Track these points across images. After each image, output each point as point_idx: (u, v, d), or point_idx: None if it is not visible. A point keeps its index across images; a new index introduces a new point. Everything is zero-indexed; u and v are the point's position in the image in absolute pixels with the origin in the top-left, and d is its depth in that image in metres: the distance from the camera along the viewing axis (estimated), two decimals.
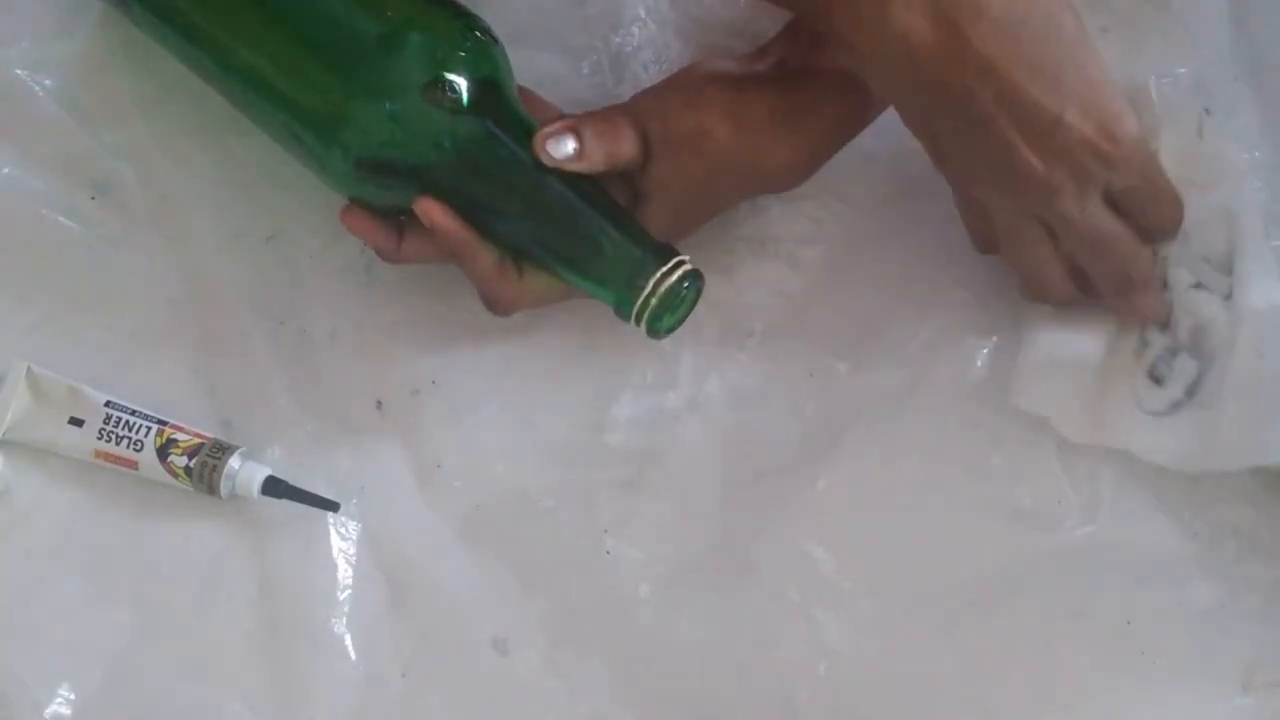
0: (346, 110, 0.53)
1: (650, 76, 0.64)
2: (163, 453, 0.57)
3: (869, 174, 0.63)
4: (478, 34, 0.55)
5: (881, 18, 0.50)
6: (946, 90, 0.50)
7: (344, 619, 0.57)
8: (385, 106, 0.53)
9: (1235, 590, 0.56)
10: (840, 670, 0.56)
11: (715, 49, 0.63)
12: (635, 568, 0.58)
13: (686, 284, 0.53)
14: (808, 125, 0.57)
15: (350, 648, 0.56)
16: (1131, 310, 0.57)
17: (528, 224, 0.54)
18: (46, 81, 0.62)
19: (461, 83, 0.54)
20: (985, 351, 0.59)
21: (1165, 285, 0.57)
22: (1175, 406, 0.56)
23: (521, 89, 0.57)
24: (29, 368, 0.58)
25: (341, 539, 0.58)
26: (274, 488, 0.56)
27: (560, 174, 0.53)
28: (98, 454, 0.57)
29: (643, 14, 0.64)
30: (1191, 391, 0.56)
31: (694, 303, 0.55)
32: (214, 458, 0.57)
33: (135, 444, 0.57)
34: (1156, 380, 0.57)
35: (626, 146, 0.55)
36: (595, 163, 0.54)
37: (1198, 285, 0.57)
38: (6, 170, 0.61)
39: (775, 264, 0.63)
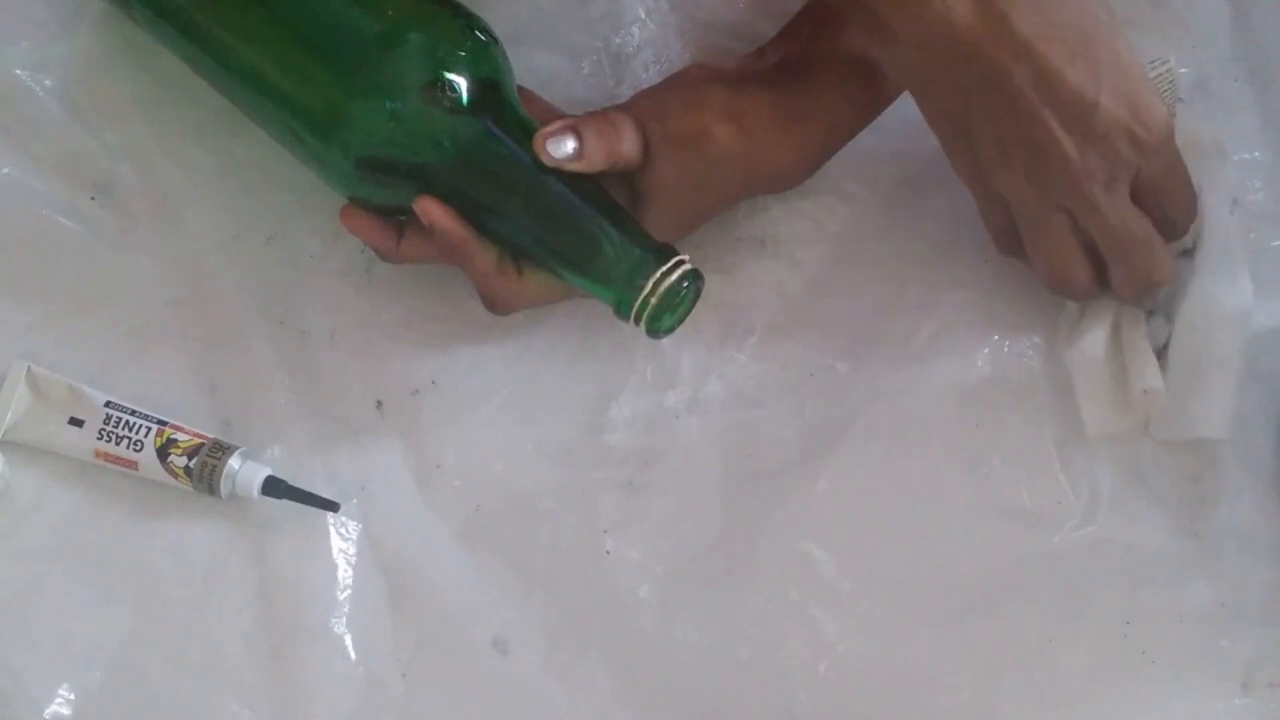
0: (347, 109, 0.53)
1: (650, 76, 0.64)
2: (163, 453, 0.57)
3: (869, 173, 0.63)
4: (478, 34, 0.55)
5: None
6: (984, 71, 0.50)
7: (344, 619, 0.57)
8: (385, 106, 0.53)
9: (1235, 590, 0.56)
10: (840, 670, 0.56)
11: (715, 49, 0.63)
12: (635, 568, 0.58)
13: (686, 284, 0.53)
14: (807, 125, 0.57)
15: (350, 648, 0.56)
16: (1147, 298, 0.57)
17: (527, 224, 0.54)
18: (46, 81, 0.62)
19: (461, 82, 0.54)
20: (985, 351, 0.59)
21: None
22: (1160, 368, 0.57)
23: (521, 89, 0.57)
24: (29, 368, 0.58)
25: (341, 539, 0.58)
26: (274, 488, 0.56)
27: (560, 174, 0.53)
28: (98, 454, 0.57)
29: (643, 14, 0.64)
30: (1160, 354, 0.57)
31: (694, 302, 0.55)
32: (214, 458, 0.57)
33: (135, 444, 0.57)
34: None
35: (626, 146, 0.55)
36: (595, 162, 0.54)
37: (1186, 252, 0.57)
38: (6, 170, 0.61)
39: (775, 264, 0.63)
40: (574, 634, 0.57)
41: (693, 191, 0.57)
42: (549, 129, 0.54)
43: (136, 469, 0.57)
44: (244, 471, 0.57)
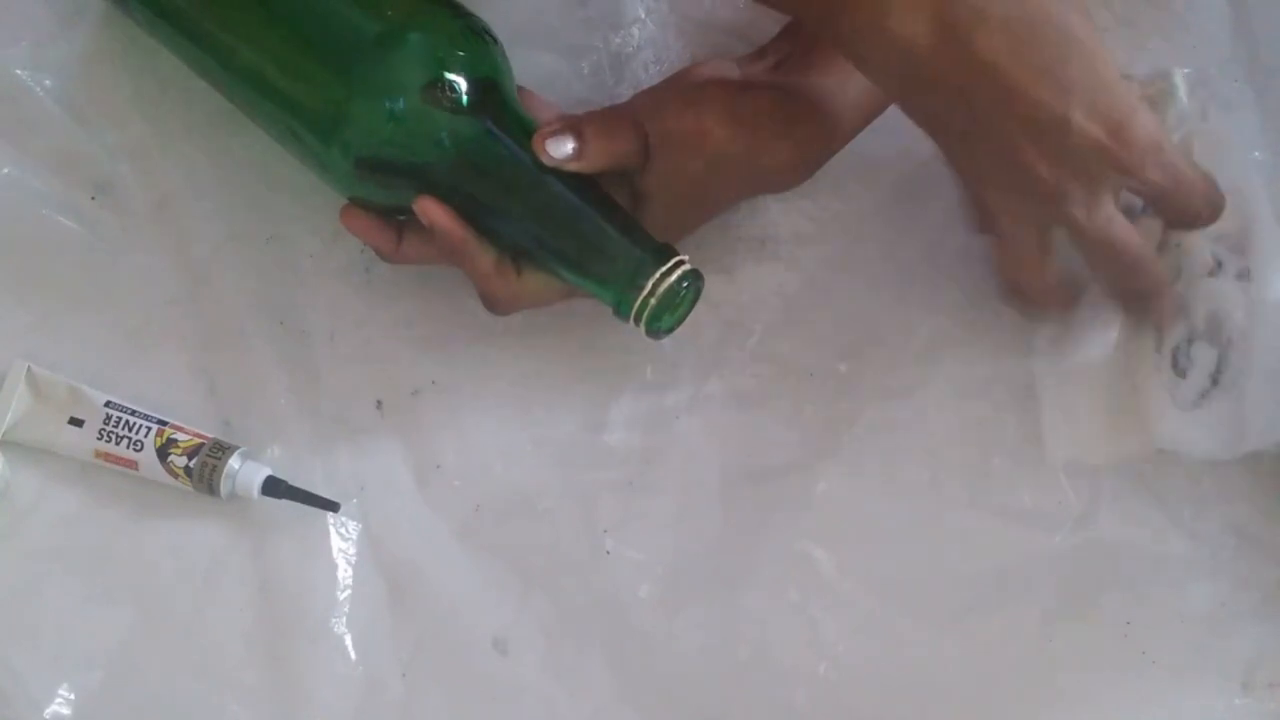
0: (347, 109, 0.53)
1: (650, 76, 0.64)
2: (163, 453, 0.57)
3: (869, 174, 0.63)
4: (477, 34, 0.55)
5: (881, 25, 0.49)
6: (949, 93, 0.50)
7: (344, 619, 0.57)
8: (385, 106, 0.53)
9: (1235, 590, 0.56)
10: (840, 670, 0.56)
11: (715, 49, 0.63)
12: (635, 568, 0.58)
13: (686, 284, 0.53)
14: (807, 125, 0.57)
15: (350, 648, 0.56)
16: (1144, 313, 0.56)
17: (527, 224, 0.54)
18: (46, 81, 0.62)
19: (461, 82, 0.54)
20: (985, 351, 0.59)
21: (1179, 274, 0.56)
22: (1203, 396, 0.56)
23: (521, 89, 0.57)
24: (29, 368, 0.58)
25: (341, 539, 0.58)
26: (274, 488, 0.56)
27: (560, 174, 0.53)
28: (98, 454, 0.57)
29: (643, 14, 0.64)
30: (1216, 379, 0.56)
31: (694, 303, 0.55)
32: (214, 458, 0.57)
33: (135, 444, 0.57)
34: (1180, 373, 0.56)
35: (626, 146, 0.55)
36: (595, 162, 0.54)
37: (1212, 272, 0.56)
38: (6, 170, 0.61)
39: (775, 264, 0.63)
40: (574, 634, 0.57)
41: (693, 191, 0.57)
42: (548, 129, 0.54)
43: (136, 469, 0.57)
44: (244, 471, 0.57)
